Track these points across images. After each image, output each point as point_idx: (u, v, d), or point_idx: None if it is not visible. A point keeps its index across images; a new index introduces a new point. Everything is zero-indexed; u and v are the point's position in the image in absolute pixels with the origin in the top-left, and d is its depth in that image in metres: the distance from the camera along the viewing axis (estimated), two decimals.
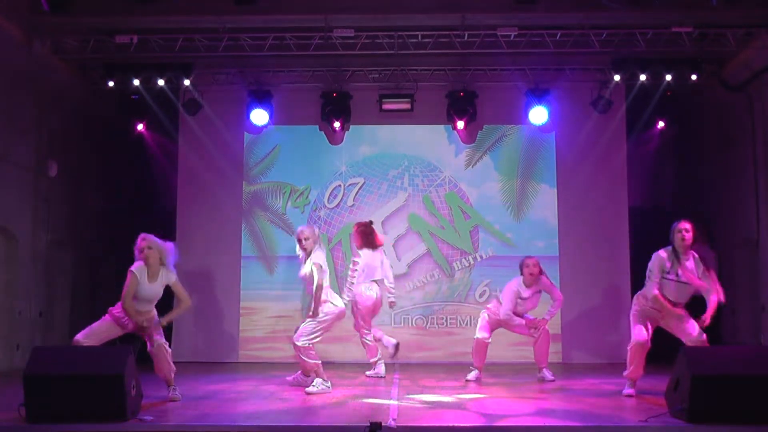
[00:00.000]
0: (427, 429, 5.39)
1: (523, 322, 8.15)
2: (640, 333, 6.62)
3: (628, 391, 6.83)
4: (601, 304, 10.39)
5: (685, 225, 6.62)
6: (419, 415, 5.84)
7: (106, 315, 6.44)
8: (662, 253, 6.57)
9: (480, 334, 8.18)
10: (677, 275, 6.50)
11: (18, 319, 9.41)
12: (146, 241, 6.50)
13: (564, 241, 10.56)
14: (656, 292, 6.48)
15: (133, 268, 6.41)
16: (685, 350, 5.66)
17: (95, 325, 6.39)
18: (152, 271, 6.46)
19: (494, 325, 8.24)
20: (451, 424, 5.43)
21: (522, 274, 8.13)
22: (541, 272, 8.11)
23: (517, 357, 10.03)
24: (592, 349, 10.31)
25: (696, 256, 6.60)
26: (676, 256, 6.54)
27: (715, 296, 6.41)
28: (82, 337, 6.24)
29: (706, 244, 10.17)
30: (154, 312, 6.56)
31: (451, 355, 10.24)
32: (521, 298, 8.10)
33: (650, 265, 6.61)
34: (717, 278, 6.54)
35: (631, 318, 6.79)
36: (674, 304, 6.53)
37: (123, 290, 6.36)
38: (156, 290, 6.50)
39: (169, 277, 6.54)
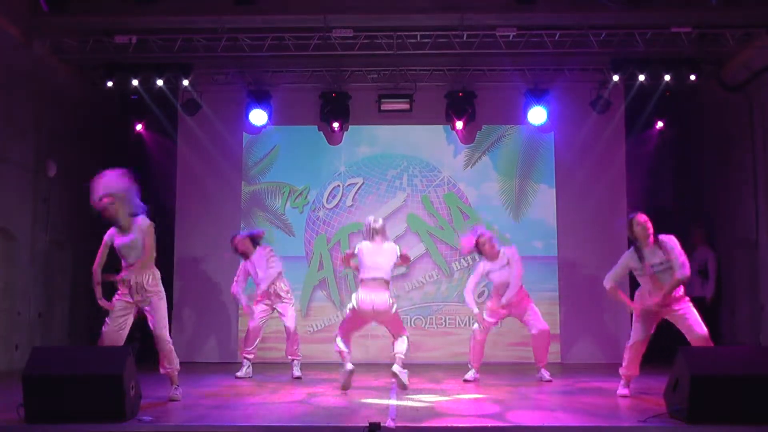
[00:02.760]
0: (426, 429, 5.40)
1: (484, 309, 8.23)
2: (637, 332, 6.70)
3: (622, 391, 6.85)
4: (600, 304, 10.37)
5: (642, 217, 6.65)
6: (418, 415, 5.84)
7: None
8: (625, 256, 6.77)
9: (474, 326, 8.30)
10: (652, 264, 6.57)
11: (17, 320, 9.40)
12: (107, 196, 6.23)
13: (563, 242, 10.57)
14: (608, 285, 6.81)
15: (105, 236, 6.37)
16: (684, 350, 5.65)
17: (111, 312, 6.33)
18: (123, 225, 6.31)
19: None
20: (450, 425, 5.44)
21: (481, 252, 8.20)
22: (495, 247, 8.10)
23: (516, 357, 10.06)
24: (591, 349, 10.32)
25: (660, 242, 6.59)
26: (640, 252, 6.63)
27: (677, 274, 6.43)
28: (105, 329, 6.26)
29: (706, 245, 10.26)
30: (154, 272, 6.44)
31: (450, 355, 10.24)
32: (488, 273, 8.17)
33: (621, 260, 6.82)
34: (681, 254, 6.55)
35: (633, 316, 6.84)
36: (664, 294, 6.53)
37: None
38: (131, 240, 6.29)
39: (143, 224, 6.31)
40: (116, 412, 5.33)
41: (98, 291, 6.29)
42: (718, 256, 10.35)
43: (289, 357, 8.61)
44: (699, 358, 5.51)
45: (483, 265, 8.22)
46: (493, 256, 8.11)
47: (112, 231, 6.41)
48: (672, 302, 6.50)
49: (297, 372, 8.49)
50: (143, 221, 6.33)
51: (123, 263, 6.39)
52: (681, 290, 6.55)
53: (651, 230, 6.58)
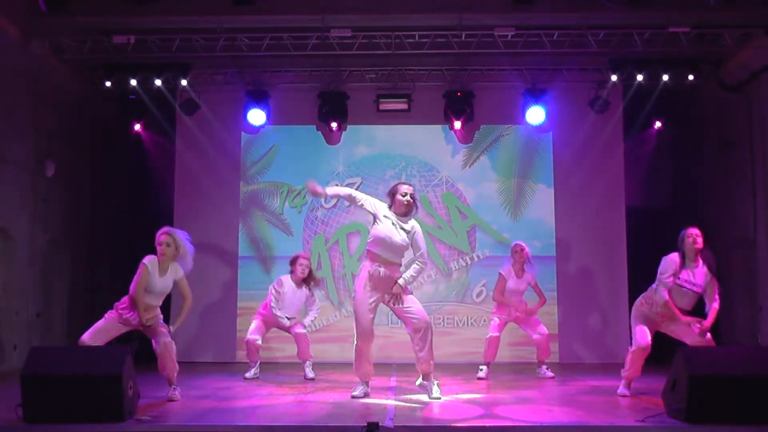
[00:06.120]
0: (425, 429, 5.40)
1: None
2: (644, 337, 6.62)
3: (622, 391, 6.86)
4: (599, 304, 10.41)
5: (695, 230, 6.65)
6: (416, 415, 5.85)
7: (111, 311, 6.45)
8: (674, 257, 6.58)
9: (491, 333, 8.54)
10: (686, 281, 6.51)
11: (15, 320, 9.39)
12: (168, 236, 6.51)
13: (561, 241, 10.57)
14: (667, 297, 6.47)
15: (145, 260, 6.44)
16: (683, 350, 5.66)
17: (100, 323, 6.40)
18: (164, 266, 6.50)
19: (503, 324, 8.60)
20: (448, 424, 5.44)
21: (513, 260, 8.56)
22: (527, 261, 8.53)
23: (516, 357, 10.06)
24: (589, 348, 10.33)
25: (706, 263, 6.60)
26: (685, 262, 6.56)
27: (715, 304, 6.46)
28: (88, 338, 6.27)
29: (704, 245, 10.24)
30: (159, 312, 6.59)
31: (449, 355, 10.22)
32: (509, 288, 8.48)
33: (661, 268, 6.58)
34: (718, 287, 6.54)
35: (633, 321, 6.79)
36: (681, 312, 6.53)
37: (133, 283, 6.40)
38: (166, 284, 6.54)
39: (177, 271, 6.58)
40: (114, 412, 5.33)
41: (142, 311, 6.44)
42: (716, 256, 10.32)
43: (301, 359, 8.43)
44: (697, 358, 5.51)
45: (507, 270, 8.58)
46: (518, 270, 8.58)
47: (150, 262, 6.46)
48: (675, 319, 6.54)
49: (310, 373, 8.29)
50: (178, 267, 6.61)
51: (144, 298, 6.43)
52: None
53: (700, 245, 6.58)
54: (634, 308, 6.83)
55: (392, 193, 6.67)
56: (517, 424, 5.52)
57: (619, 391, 6.87)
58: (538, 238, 10.50)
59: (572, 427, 5.42)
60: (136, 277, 6.42)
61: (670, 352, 5.75)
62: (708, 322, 6.43)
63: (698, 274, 6.55)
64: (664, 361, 6.35)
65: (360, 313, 6.56)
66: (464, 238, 10.65)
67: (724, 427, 5.25)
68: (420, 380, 6.79)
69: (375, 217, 6.64)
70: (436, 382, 6.71)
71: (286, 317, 8.40)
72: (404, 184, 6.74)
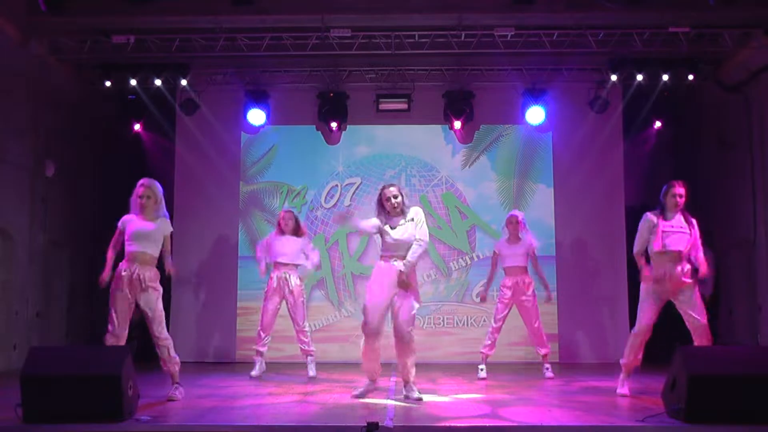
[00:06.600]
0: (424, 429, 5.40)
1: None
2: (645, 317, 6.58)
3: (621, 390, 6.81)
4: (598, 303, 10.40)
5: (681, 189, 6.66)
6: (416, 415, 5.84)
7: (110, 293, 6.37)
8: (650, 217, 6.65)
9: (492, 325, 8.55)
10: (670, 226, 6.57)
11: (15, 320, 9.40)
12: (147, 188, 6.50)
13: (561, 241, 10.58)
14: (636, 249, 6.72)
15: (120, 221, 6.47)
16: (682, 350, 5.65)
17: (111, 310, 6.31)
18: (148, 216, 6.47)
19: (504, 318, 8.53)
20: (448, 424, 5.44)
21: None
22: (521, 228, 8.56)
23: (516, 357, 10.05)
24: (589, 348, 10.33)
25: (686, 218, 6.66)
26: (665, 215, 6.62)
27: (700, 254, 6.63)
28: (111, 327, 6.24)
29: (704, 244, 10.23)
30: (156, 271, 6.50)
31: (448, 355, 10.25)
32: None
33: (639, 227, 6.73)
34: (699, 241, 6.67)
35: (640, 301, 6.72)
36: (676, 257, 6.54)
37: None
38: (151, 228, 6.44)
39: (166, 227, 6.56)
40: (114, 412, 5.32)
41: (108, 268, 6.36)
42: (716, 256, 10.35)
43: (305, 355, 8.43)
44: (696, 358, 5.51)
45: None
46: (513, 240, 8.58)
47: (125, 218, 6.47)
48: (683, 284, 6.53)
49: (312, 371, 8.31)
50: (168, 222, 6.62)
51: (129, 248, 6.37)
52: (689, 275, 6.58)
53: (681, 206, 6.63)
54: (641, 288, 6.74)
55: (380, 202, 6.69)
56: (517, 424, 5.51)
57: (618, 390, 6.84)
58: (537, 238, 10.39)
59: (572, 427, 5.42)
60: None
61: (670, 352, 5.75)
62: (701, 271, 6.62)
63: (677, 219, 6.63)
64: (663, 361, 6.34)
65: (369, 309, 6.54)
66: (464, 238, 10.65)
67: (724, 427, 5.25)
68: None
69: (381, 232, 6.68)
70: (415, 388, 6.60)
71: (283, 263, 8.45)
72: (387, 187, 6.67)
